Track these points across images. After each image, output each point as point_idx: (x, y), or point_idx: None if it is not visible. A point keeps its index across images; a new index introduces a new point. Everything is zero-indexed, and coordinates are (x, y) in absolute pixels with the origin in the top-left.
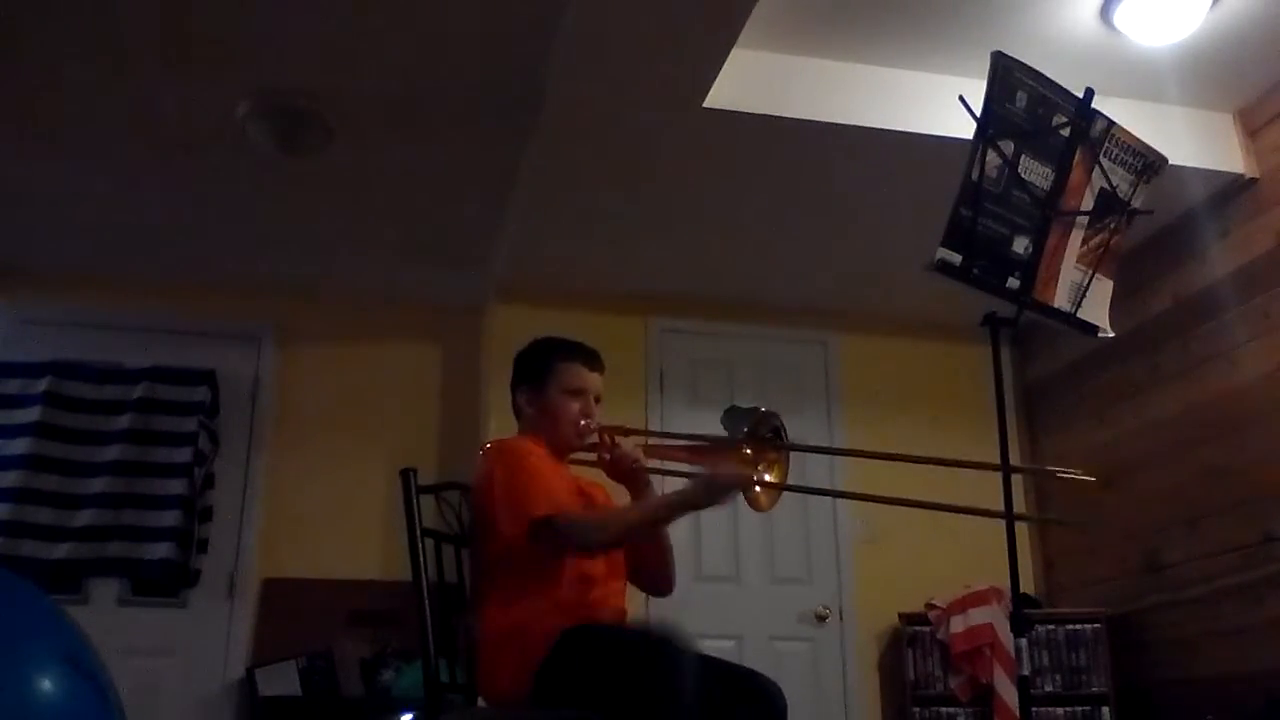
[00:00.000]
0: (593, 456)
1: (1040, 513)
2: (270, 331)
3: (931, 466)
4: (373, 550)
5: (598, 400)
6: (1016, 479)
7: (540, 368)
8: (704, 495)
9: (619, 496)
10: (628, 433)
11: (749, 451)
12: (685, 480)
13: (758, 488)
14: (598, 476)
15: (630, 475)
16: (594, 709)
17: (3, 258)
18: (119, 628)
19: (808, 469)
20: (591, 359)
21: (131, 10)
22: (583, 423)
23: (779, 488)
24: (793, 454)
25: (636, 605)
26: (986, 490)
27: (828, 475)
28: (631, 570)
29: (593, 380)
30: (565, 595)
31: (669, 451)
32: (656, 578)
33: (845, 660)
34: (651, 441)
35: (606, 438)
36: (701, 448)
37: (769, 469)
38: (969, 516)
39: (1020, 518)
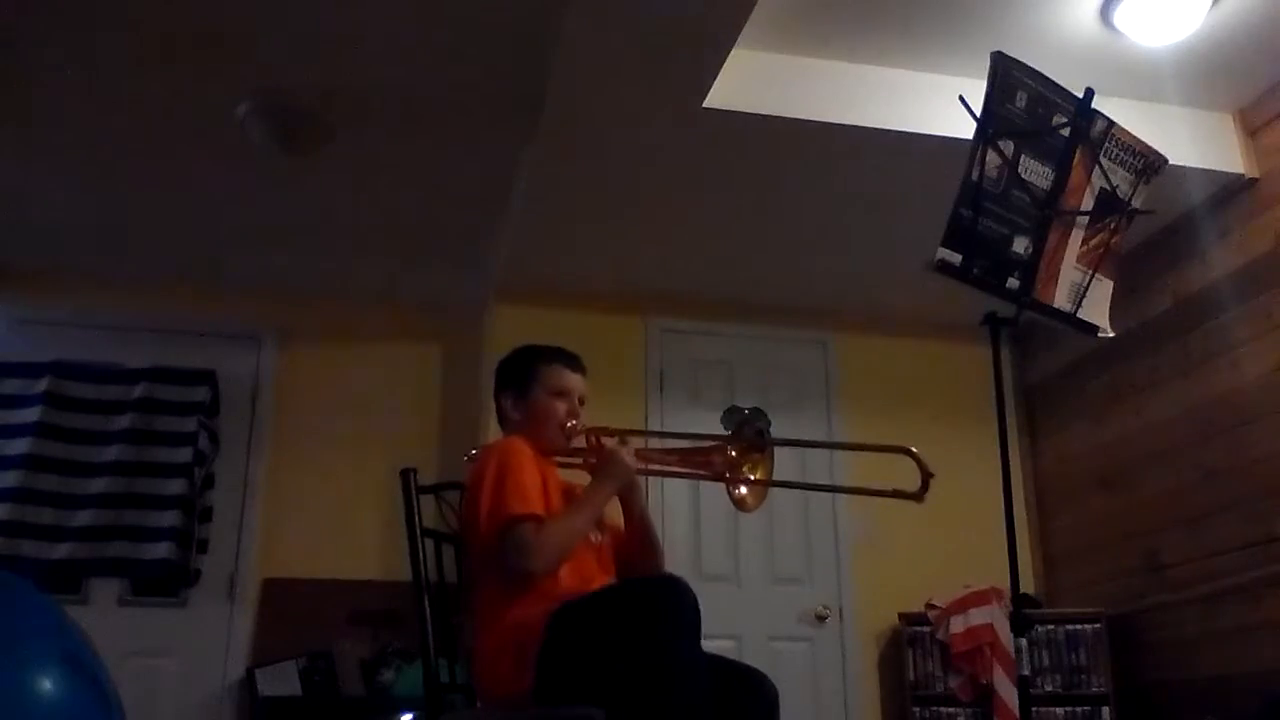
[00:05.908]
0: (579, 460)
1: (1040, 512)
2: (270, 331)
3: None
4: (373, 550)
5: (582, 402)
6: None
7: (523, 372)
8: (609, 476)
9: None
10: (613, 433)
11: (734, 452)
12: (669, 479)
13: (744, 489)
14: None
15: None
16: (597, 681)
17: (3, 258)
18: (119, 628)
19: (808, 468)
20: (573, 361)
21: (131, 10)
22: (569, 424)
23: (748, 482)
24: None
25: None
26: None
27: (828, 474)
28: (621, 565)
29: (576, 381)
30: (561, 591)
31: (654, 451)
32: (643, 564)
33: (845, 660)
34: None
35: (592, 439)
36: (685, 448)
37: (754, 469)
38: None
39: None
